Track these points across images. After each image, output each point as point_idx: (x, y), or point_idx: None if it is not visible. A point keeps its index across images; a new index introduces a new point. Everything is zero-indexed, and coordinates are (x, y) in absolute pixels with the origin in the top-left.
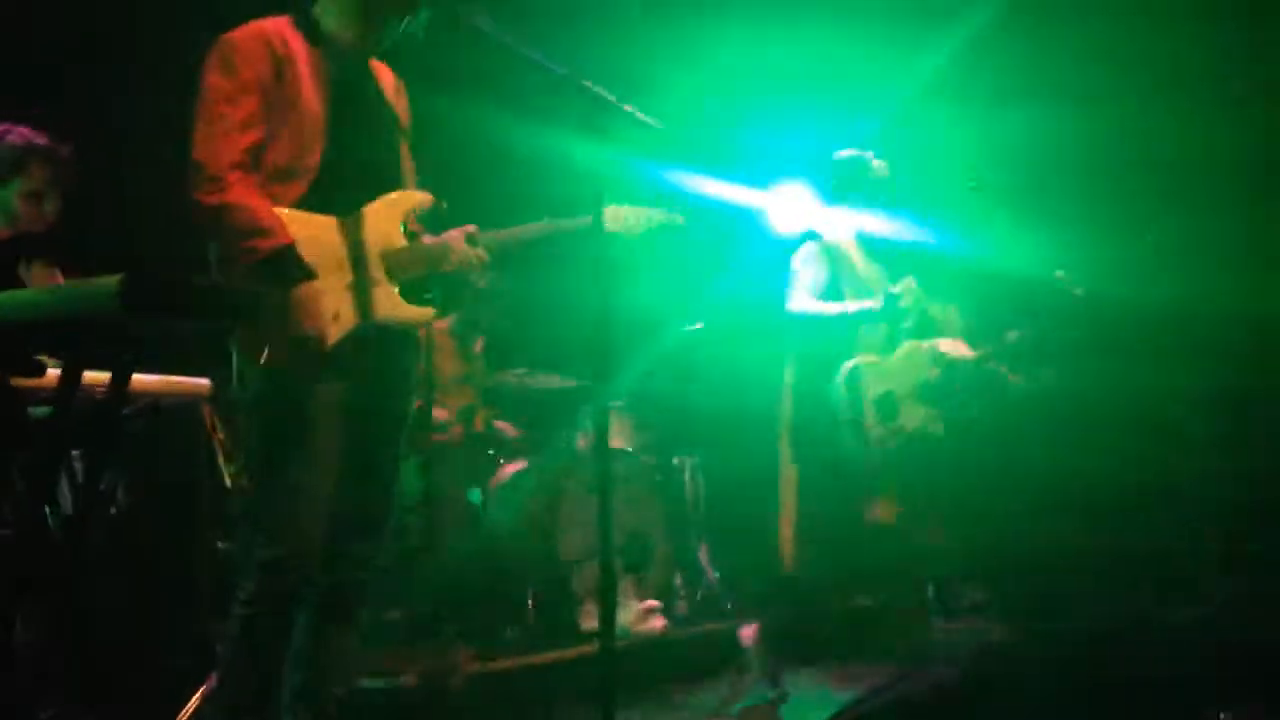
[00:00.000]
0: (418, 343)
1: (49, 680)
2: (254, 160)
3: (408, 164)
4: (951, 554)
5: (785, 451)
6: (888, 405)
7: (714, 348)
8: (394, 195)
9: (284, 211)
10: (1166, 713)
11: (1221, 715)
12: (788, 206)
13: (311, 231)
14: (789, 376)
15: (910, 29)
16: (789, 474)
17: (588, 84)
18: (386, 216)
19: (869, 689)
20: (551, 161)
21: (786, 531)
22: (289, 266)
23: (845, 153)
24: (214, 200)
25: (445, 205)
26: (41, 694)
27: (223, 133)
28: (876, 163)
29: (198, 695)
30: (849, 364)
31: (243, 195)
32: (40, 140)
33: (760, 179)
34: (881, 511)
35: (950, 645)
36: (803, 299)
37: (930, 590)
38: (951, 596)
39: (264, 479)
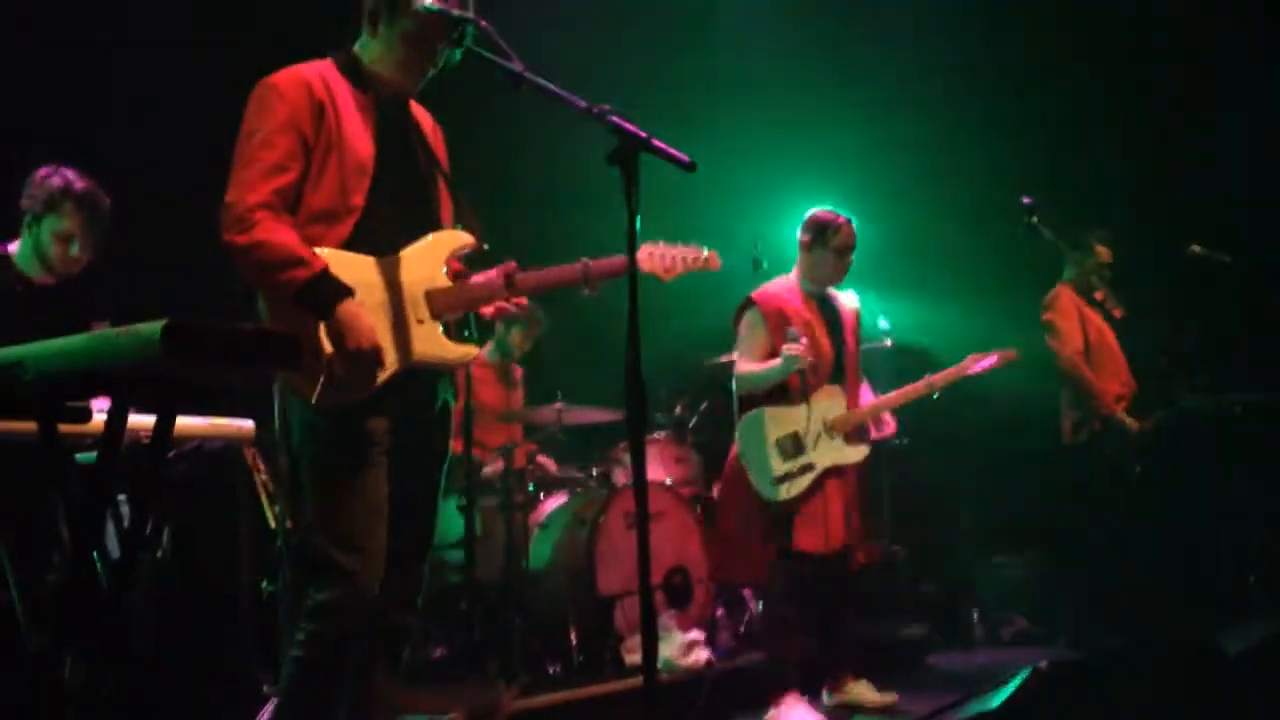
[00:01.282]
0: (455, 379)
1: None
2: (286, 201)
3: (448, 204)
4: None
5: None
6: (790, 444)
7: None
8: (437, 235)
9: (325, 252)
10: None
11: None
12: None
13: (354, 274)
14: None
15: None
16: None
17: (616, 119)
18: (429, 256)
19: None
20: (588, 193)
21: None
22: (328, 292)
23: (823, 212)
24: (243, 240)
25: (487, 247)
26: None
27: (256, 175)
28: (848, 227)
29: None
30: (749, 414)
31: (271, 231)
32: (79, 184)
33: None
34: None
35: (997, 672)
36: (744, 362)
37: (975, 616)
38: (996, 624)
39: (317, 520)
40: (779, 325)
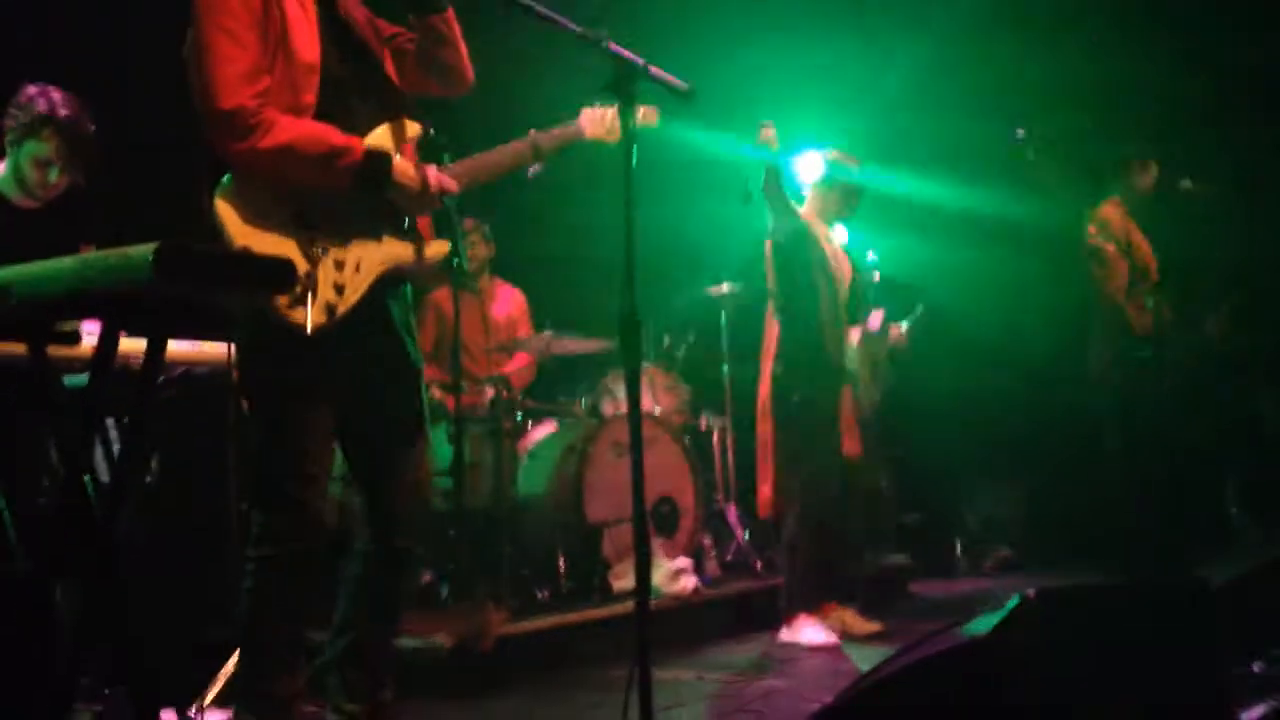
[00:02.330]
0: (406, 294)
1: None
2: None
3: (386, 87)
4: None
5: (767, 410)
6: (873, 367)
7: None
8: (385, 130)
9: None
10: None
11: (1254, 667)
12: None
13: None
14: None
15: None
16: (765, 434)
17: (612, 45)
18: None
19: (900, 647)
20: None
21: (765, 489)
22: (382, 162)
23: (834, 154)
24: (268, 143)
25: (433, 131)
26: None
27: (238, 75)
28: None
29: (232, 661)
30: (855, 332)
31: (291, 126)
32: (63, 110)
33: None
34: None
35: (980, 601)
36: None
37: (958, 547)
38: (978, 554)
39: (264, 448)
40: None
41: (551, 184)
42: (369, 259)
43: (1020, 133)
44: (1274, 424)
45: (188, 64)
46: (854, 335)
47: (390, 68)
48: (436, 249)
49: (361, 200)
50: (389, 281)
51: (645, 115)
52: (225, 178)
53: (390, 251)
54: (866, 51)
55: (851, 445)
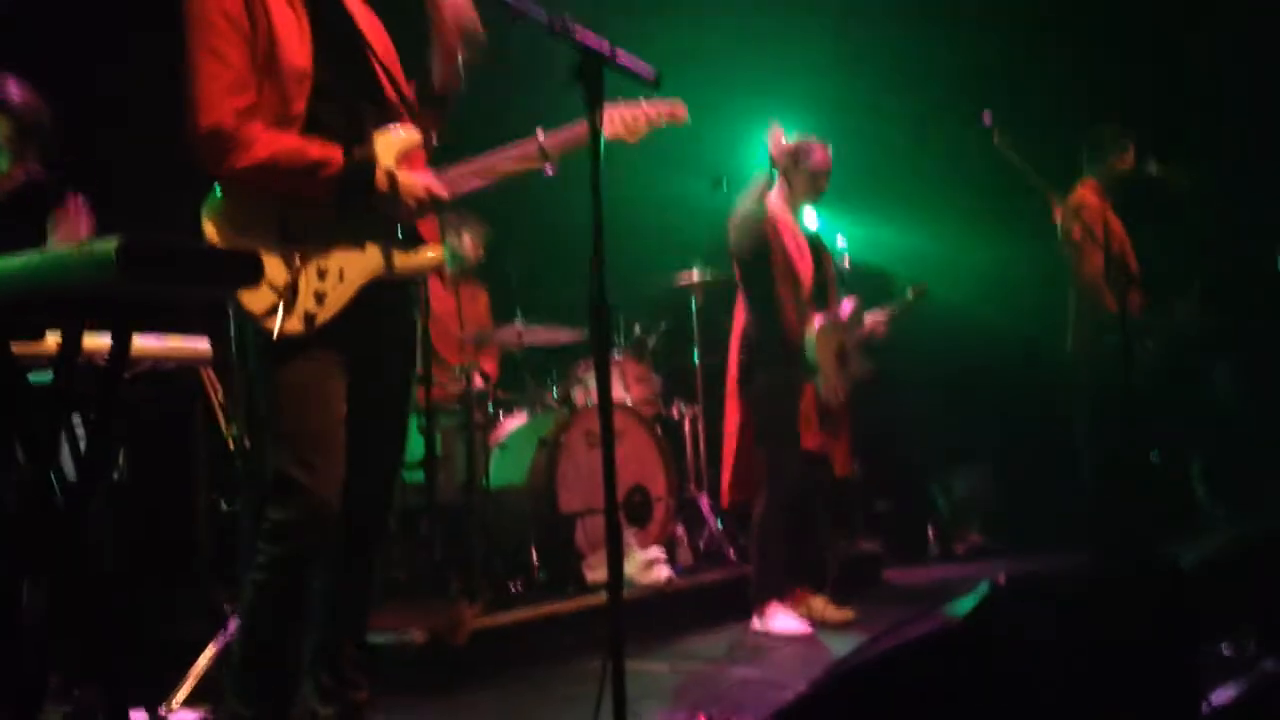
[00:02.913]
0: (416, 295)
1: (55, 650)
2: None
3: (393, 90)
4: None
5: (732, 398)
6: (842, 357)
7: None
8: (382, 137)
9: None
10: (1168, 648)
11: (1224, 649)
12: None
13: None
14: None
15: None
16: (730, 422)
17: (580, 33)
18: (380, 156)
19: (873, 635)
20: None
21: (726, 475)
22: (364, 170)
23: (800, 137)
24: (249, 161)
25: (436, 142)
26: (48, 664)
27: (221, 92)
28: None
29: (204, 657)
30: (815, 322)
31: (270, 141)
32: (16, 96)
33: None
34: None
35: (953, 587)
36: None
37: (930, 533)
38: (950, 539)
39: (269, 444)
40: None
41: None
42: (353, 268)
43: (987, 116)
44: (1225, 398)
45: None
46: (814, 323)
47: (394, 67)
48: (427, 256)
49: (347, 210)
50: (381, 288)
51: (675, 112)
52: (214, 190)
53: (376, 260)
54: (838, 35)
55: (809, 438)
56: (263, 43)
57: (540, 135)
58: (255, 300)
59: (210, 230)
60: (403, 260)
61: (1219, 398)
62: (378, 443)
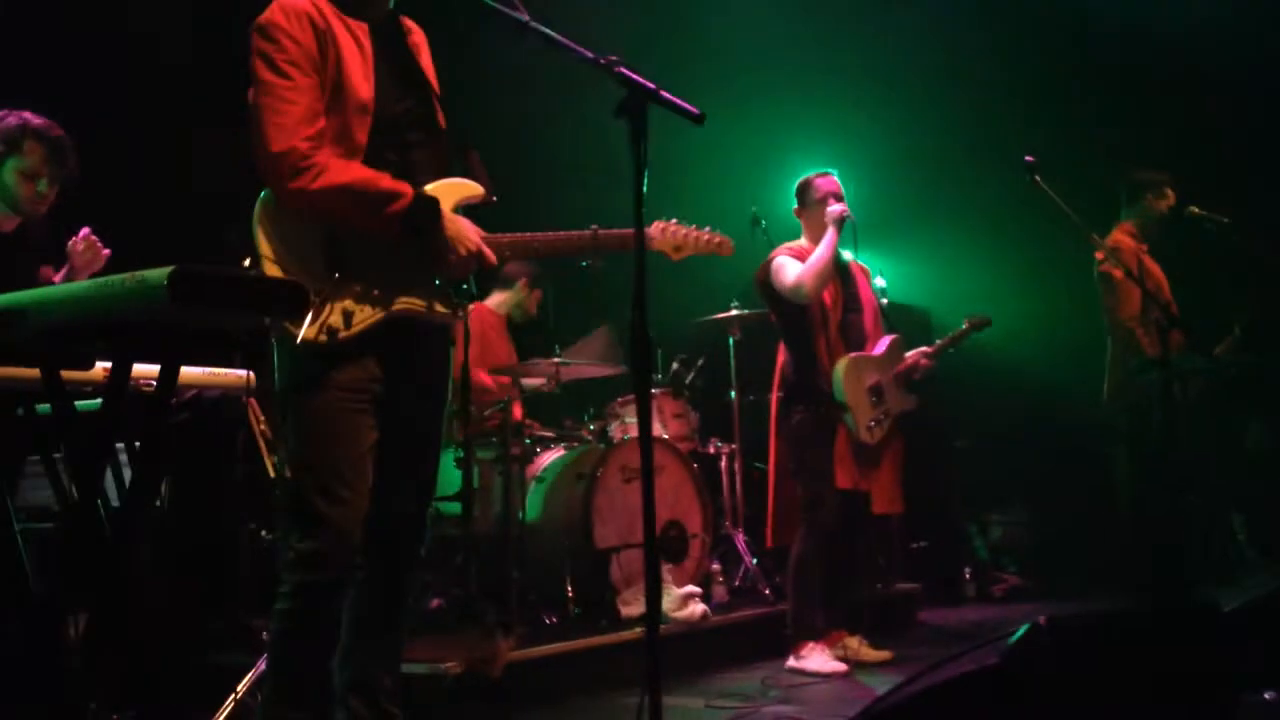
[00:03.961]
0: (451, 330)
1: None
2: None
3: (442, 131)
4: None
5: (773, 437)
6: (876, 393)
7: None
8: (446, 183)
9: None
10: (1209, 693)
11: (1266, 695)
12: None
13: None
14: (782, 367)
15: None
16: (771, 458)
17: (625, 70)
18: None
19: (909, 675)
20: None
21: (770, 515)
22: (430, 209)
23: (804, 177)
24: (320, 184)
25: (495, 199)
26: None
27: (295, 120)
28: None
29: (242, 685)
30: (844, 359)
31: (343, 169)
32: (37, 121)
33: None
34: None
35: (989, 628)
36: (793, 271)
37: (967, 574)
38: (987, 581)
39: (296, 471)
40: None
41: (564, 210)
42: (387, 296)
43: (1030, 159)
44: (1256, 450)
45: (249, 105)
46: (842, 360)
47: (439, 109)
48: (462, 303)
49: (397, 248)
50: (415, 323)
51: (723, 244)
52: (263, 198)
53: (411, 294)
54: (880, 77)
55: (843, 476)
56: (331, 74)
57: (595, 230)
58: None
59: (261, 237)
60: (436, 305)
61: (1253, 452)
62: (408, 475)
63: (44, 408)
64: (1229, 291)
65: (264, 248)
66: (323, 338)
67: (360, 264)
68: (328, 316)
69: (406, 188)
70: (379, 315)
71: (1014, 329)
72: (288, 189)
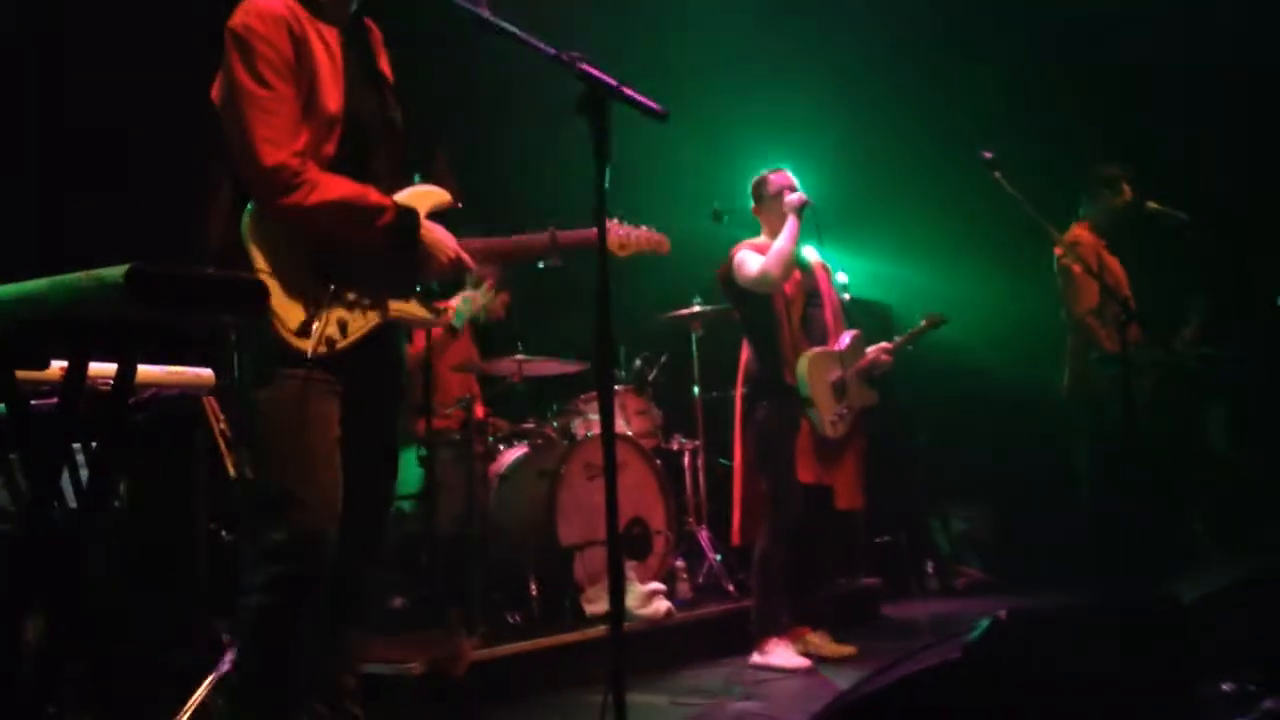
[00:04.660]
0: (406, 328)
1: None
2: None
3: (401, 129)
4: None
5: (738, 434)
6: (839, 388)
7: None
8: (416, 191)
9: None
10: (1169, 685)
11: (1224, 686)
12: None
13: None
14: (745, 363)
15: None
16: (737, 455)
17: (587, 66)
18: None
19: (873, 669)
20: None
21: (736, 513)
22: (411, 222)
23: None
24: (312, 200)
25: (461, 205)
26: (50, 694)
27: (282, 131)
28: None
29: (203, 687)
30: (807, 354)
31: (331, 185)
32: None
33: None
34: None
35: (952, 622)
36: (755, 263)
37: (929, 568)
38: (950, 575)
39: (266, 465)
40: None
41: (525, 207)
42: (377, 304)
43: (987, 155)
44: (1217, 442)
45: (221, 109)
46: (805, 355)
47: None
48: (441, 309)
49: (383, 258)
50: (396, 324)
51: (660, 244)
52: (247, 214)
53: (397, 301)
54: (841, 71)
55: (805, 471)
56: (305, 85)
57: (553, 231)
58: (288, 318)
59: (254, 252)
60: (417, 309)
61: (1211, 444)
62: (368, 473)
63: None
64: (1187, 284)
65: (259, 262)
66: (322, 349)
67: (351, 273)
68: (324, 327)
69: (389, 201)
70: (374, 322)
71: (974, 323)
72: (280, 204)
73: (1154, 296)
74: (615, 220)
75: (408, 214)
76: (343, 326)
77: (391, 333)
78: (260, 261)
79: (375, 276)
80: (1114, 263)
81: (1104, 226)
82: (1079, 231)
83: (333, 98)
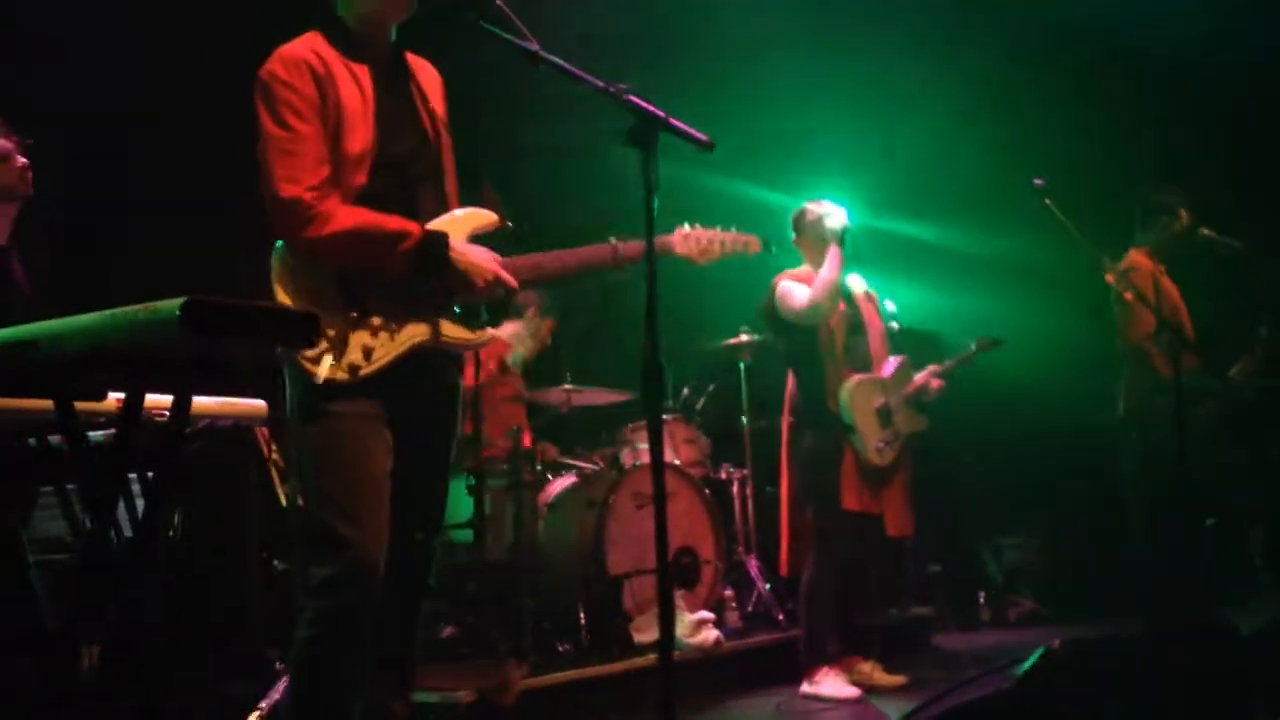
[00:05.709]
0: (462, 359)
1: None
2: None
3: (450, 167)
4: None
5: (784, 464)
6: (884, 415)
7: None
8: (460, 213)
9: None
10: (1224, 716)
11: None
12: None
13: None
14: (790, 393)
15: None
16: (783, 485)
17: (634, 98)
18: (452, 234)
19: (924, 699)
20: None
21: (783, 543)
22: (439, 246)
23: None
24: (328, 231)
25: (511, 225)
26: None
27: (302, 168)
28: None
29: (254, 716)
30: (850, 381)
31: (349, 215)
32: None
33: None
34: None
35: (1004, 652)
36: (801, 294)
37: (980, 598)
38: (1002, 605)
39: (311, 499)
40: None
41: (573, 233)
42: (405, 330)
43: (1039, 182)
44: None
45: (258, 159)
46: (849, 383)
47: (448, 148)
48: (480, 335)
49: (415, 282)
50: (429, 354)
51: (750, 243)
52: (277, 251)
53: (429, 327)
54: (887, 102)
55: (850, 499)
56: (331, 120)
57: (614, 242)
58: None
59: (279, 290)
60: (455, 332)
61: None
62: (418, 503)
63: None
64: (1246, 312)
65: (280, 295)
66: (344, 375)
67: (377, 299)
68: (348, 354)
69: (414, 226)
70: (400, 349)
71: (1026, 349)
72: (299, 238)
73: (1218, 324)
74: (695, 226)
75: (434, 238)
76: (368, 353)
77: (433, 359)
78: (281, 295)
79: (404, 301)
80: (1172, 289)
81: (1162, 252)
82: (1137, 257)
83: (362, 131)
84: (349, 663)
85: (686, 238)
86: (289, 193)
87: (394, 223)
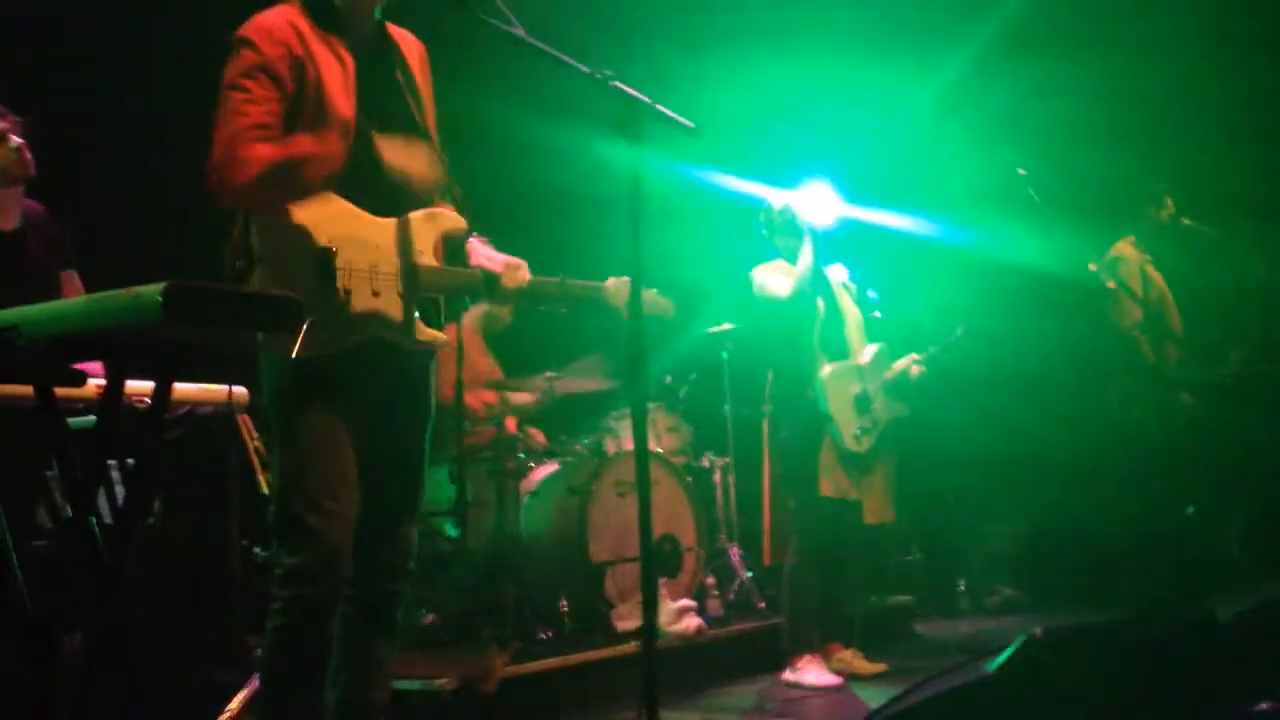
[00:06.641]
0: (436, 350)
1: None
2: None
3: (434, 137)
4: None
5: (766, 453)
6: (861, 402)
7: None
8: (435, 213)
9: (330, 199)
10: (1205, 704)
11: (1262, 706)
12: (814, 201)
13: (349, 227)
14: (769, 382)
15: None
16: (766, 474)
17: (620, 84)
18: (424, 231)
19: (905, 687)
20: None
21: (766, 532)
22: (369, 148)
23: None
24: (246, 175)
25: (473, 235)
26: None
27: (239, 132)
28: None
29: (235, 702)
30: (825, 369)
31: (264, 149)
32: None
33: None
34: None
35: (984, 640)
36: (782, 283)
37: (961, 586)
38: (982, 593)
39: (278, 488)
40: None
41: (557, 220)
42: (369, 319)
43: (1022, 172)
44: (1268, 458)
45: None
46: (824, 370)
47: (434, 141)
48: (435, 334)
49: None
50: (396, 343)
51: (657, 304)
52: (250, 237)
53: (390, 320)
54: (872, 90)
55: (827, 486)
56: (311, 95)
57: (564, 280)
58: None
59: (256, 270)
60: (414, 330)
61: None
62: (393, 491)
63: (78, 422)
64: (1231, 301)
65: (256, 280)
66: (311, 354)
67: (347, 285)
68: (317, 334)
69: (329, 142)
70: (365, 335)
71: (1009, 337)
72: (229, 196)
73: (1200, 313)
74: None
75: (359, 138)
76: (336, 336)
77: (410, 350)
78: (257, 280)
79: (373, 290)
80: (1159, 279)
81: (1149, 242)
82: (1124, 247)
83: (344, 105)
84: (317, 652)
85: (619, 289)
86: (218, 154)
87: (306, 142)
